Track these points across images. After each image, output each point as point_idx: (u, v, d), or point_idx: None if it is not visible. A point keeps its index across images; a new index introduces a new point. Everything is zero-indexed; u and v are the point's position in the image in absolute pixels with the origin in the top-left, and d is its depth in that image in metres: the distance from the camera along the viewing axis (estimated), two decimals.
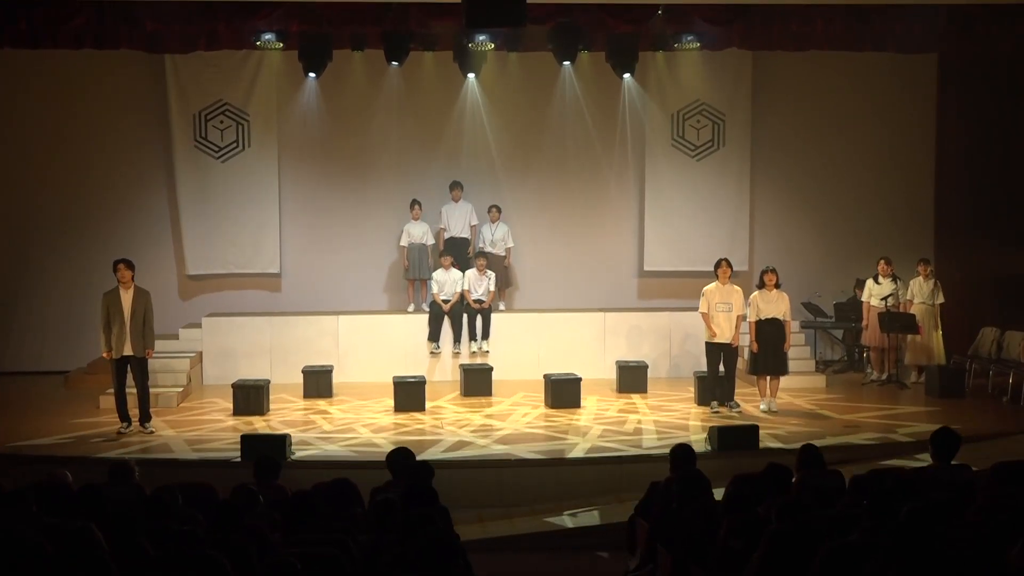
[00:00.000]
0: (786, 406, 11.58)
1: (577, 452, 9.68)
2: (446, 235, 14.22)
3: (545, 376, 12.08)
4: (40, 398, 12.61)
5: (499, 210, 14.26)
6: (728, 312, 11.32)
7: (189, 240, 14.53)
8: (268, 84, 14.43)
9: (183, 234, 14.54)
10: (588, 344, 13.68)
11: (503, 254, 14.22)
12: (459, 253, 13.91)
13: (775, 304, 11.35)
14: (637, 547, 6.78)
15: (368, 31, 12.95)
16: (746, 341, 11.62)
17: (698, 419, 11.05)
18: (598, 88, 14.65)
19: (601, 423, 10.90)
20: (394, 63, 13.68)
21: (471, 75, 14.27)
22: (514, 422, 11.00)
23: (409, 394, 11.62)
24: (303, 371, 12.58)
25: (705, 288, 11.49)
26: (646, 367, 12.76)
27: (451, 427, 10.73)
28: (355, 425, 10.90)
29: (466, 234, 14.24)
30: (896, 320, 12.78)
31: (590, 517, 8.70)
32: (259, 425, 10.87)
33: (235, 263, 14.64)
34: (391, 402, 11.66)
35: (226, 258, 14.61)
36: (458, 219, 14.23)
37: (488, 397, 12.32)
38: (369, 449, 9.74)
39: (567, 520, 8.69)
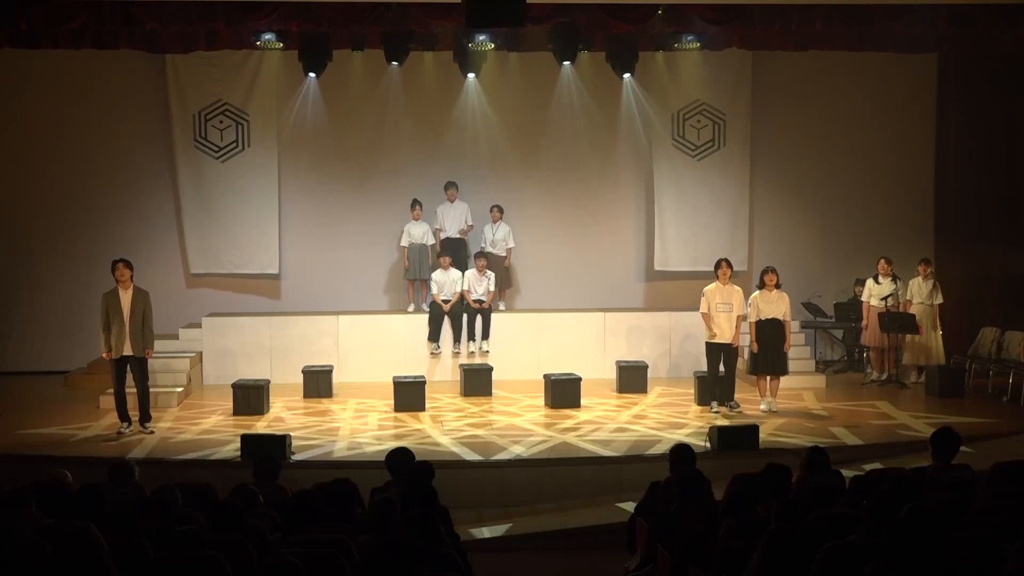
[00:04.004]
0: (786, 406, 11.57)
1: (576, 452, 9.67)
2: (442, 235, 14.22)
3: (545, 376, 12.08)
4: (40, 398, 12.61)
5: (501, 210, 14.25)
6: (728, 312, 11.31)
7: (190, 240, 14.54)
8: (268, 84, 14.43)
9: (184, 234, 14.55)
10: (588, 344, 13.68)
11: (504, 254, 14.21)
12: (456, 253, 13.91)
13: (775, 304, 11.35)
14: (637, 547, 6.79)
15: (368, 31, 12.94)
16: (746, 341, 11.62)
17: (698, 419, 11.05)
18: (598, 88, 14.65)
19: (601, 423, 10.90)
20: (394, 63, 13.68)
21: (471, 75, 14.27)
22: (514, 422, 10.99)
23: (409, 394, 11.61)
24: (303, 371, 12.58)
25: (705, 288, 11.48)
26: (646, 367, 12.76)
27: (451, 427, 10.74)
28: (355, 425, 10.89)
29: (457, 234, 14.23)
30: (896, 320, 12.77)
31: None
32: (259, 425, 10.87)
33: (235, 263, 14.63)
34: (391, 402, 11.67)
35: (226, 258, 14.61)
36: (453, 219, 14.23)
37: (488, 397, 12.33)
38: (369, 449, 9.73)
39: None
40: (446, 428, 10.68)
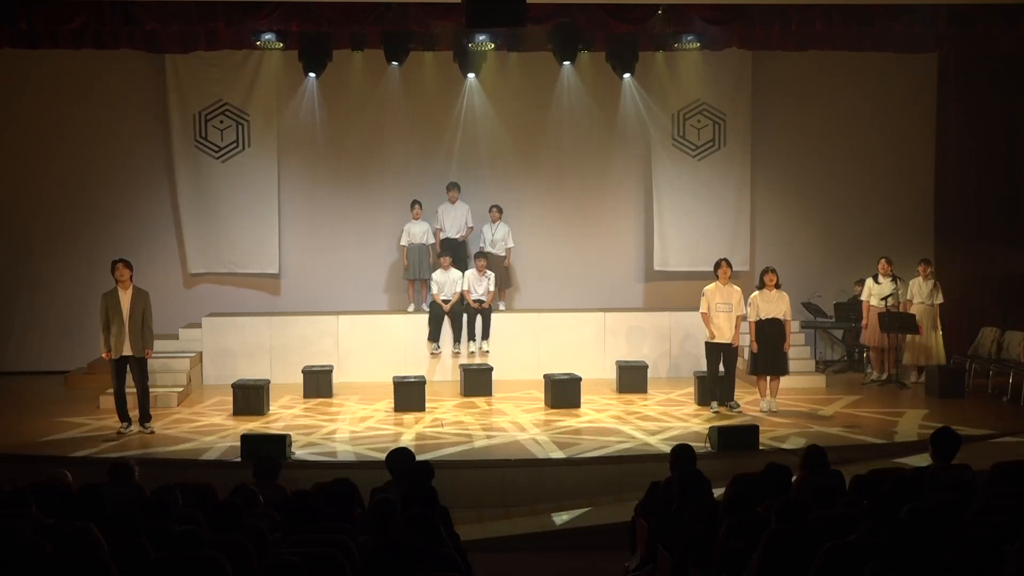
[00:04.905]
0: (786, 406, 11.57)
1: (577, 452, 9.67)
2: (442, 236, 14.21)
3: (545, 376, 12.08)
4: (40, 398, 12.61)
5: (500, 210, 14.25)
6: (728, 312, 11.31)
7: (189, 240, 14.54)
8: (268, 84, 14.43)
9: (184, 234, 14.55)
10: (588, 344, 13.68)
11: (503, 254, 14.21)
12: (456, 253, 13.90)
13: (775, 304, 11.35)
14: (637, 547, 6.79)
15: (368, 31, 12.94)
16: (746, 341, 11.62)
17: (698, 419, 11.05)
18: (598, 88, 14.64)
19: (600, 423, 10.89)
20: (394, 63, 13.69)
21: (471, 75, 14.28)
22: (514, 422, 10.99)
23: (409, 394, 11.61)
24: (303, 371, 12.58)
25: (705, 288, 11.48)
26: (646, 367, 12.76)
27: (451, 427, 10.74)
28: (355, 425, 10.89)
29: (458, 235, 14.22)
30: (896, 320, 12.78)
31: (584, 517, 8.69)
32: (259, 425, 10.87)
33: (235, 263, 14.64)
34: (391, 402, 11.66)
35: (226, 258, 14.62)
36: (454, 220, 14.22)
37: (488, 397, 12.32)
38: (369, 449, 9.73)
39: (563, 517, 8.70)
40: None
